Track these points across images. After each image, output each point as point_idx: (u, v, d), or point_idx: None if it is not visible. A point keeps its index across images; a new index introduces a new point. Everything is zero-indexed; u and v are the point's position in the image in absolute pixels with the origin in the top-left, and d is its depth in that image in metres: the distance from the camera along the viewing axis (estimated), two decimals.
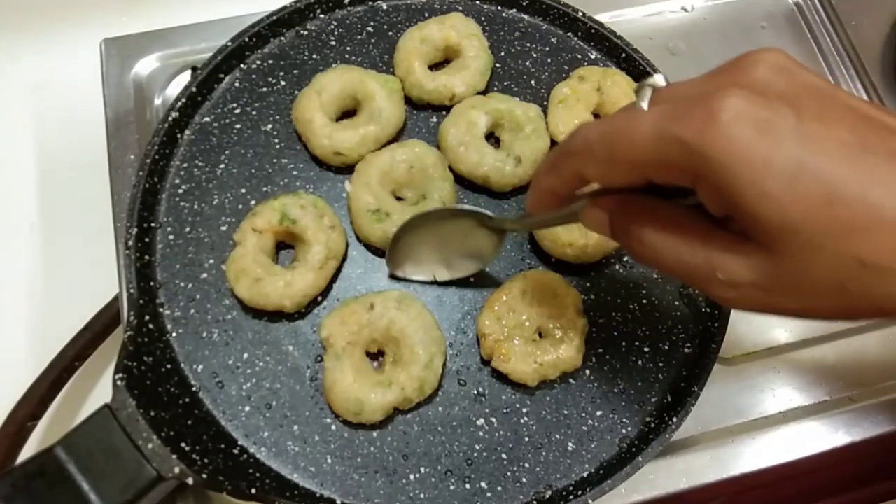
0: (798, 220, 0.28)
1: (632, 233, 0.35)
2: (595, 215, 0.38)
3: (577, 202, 0.39)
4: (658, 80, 0.34)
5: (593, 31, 0.64)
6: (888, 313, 0.30)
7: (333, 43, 0.63)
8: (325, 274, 0.53)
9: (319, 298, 0.54)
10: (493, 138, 0.59)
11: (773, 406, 0.59)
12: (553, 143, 0.59)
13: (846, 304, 0.30)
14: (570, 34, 0.65)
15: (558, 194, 0.40)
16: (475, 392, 0.52)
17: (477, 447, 0.51)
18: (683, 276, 0.34)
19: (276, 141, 0.59)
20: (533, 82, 0.63)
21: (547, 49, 0.64)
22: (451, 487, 0.49)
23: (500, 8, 0.66)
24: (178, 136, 0.58)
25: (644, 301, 0.56)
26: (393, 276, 0.55)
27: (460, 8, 0.65)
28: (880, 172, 0.28)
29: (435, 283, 0.55)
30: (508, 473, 0.50)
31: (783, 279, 0.31)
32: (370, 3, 0.65)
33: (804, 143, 0.28)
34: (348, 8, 0.64)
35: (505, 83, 0.63)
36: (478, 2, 0.66)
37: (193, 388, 0.51)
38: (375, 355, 0.53)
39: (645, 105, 0.33)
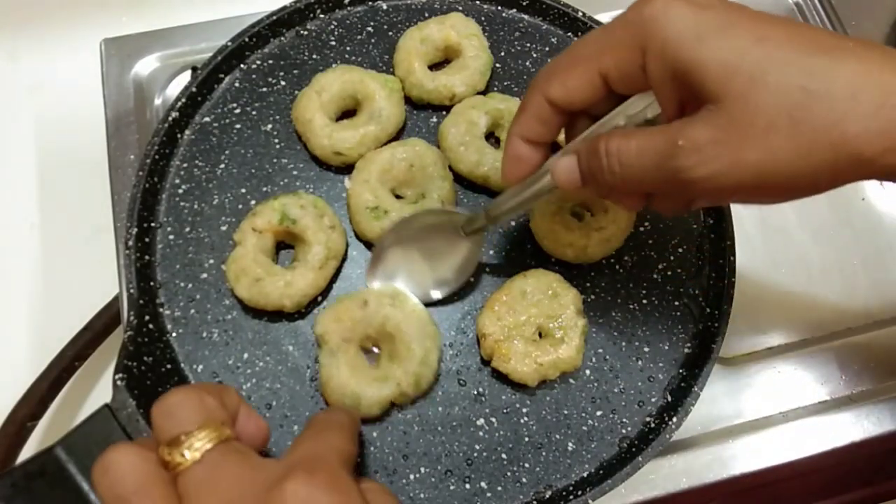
0: (736, 59, 0.32)
1: (601, 156, 0.38)
2: (565, 163, 0.41)
3: (543, 175, 0.43)
4: None
5: None
6: (845, 151, 0.31)
7: (333, 43, 0.63)
8: (325, 274, 0.53)
9: (319, 298, 0.54)
10: (493, 138, 0.59)
11: (773, 406, 0.59)
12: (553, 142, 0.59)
13: (803, 142, 0.31)
14: (570, 34, 0.65)
15: (532, 144, 0.43)
16: (475, 392, 0.52)
17: (477, 447, 0.51)
18: (653, 169, 0.36)
19: (276, 141, 0.59)
20: None
21: (547, 49, 0.64)
22: (451, 487, 0.49)
23: (500, 8, 0.66)
24: (178, 136, 0.58)
25: (644, 301, 0.56)
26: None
27: (460, 8, 0.65)
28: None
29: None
30: (508, 473, 0.50)
31: (737, 125, 0.32)
32: (370, 3, 0.65)
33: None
34: (348, 8, 0.64)
35: (505, 83, 0.63)
36: (478, 2, 0.66)
37: None
38: (370, 350, 0.53)
39: None
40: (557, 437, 0.51)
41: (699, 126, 0.33)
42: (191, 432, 0.31)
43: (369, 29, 0.64)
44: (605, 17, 0.72)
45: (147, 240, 0.54)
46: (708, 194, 0.37)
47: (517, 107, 0.58)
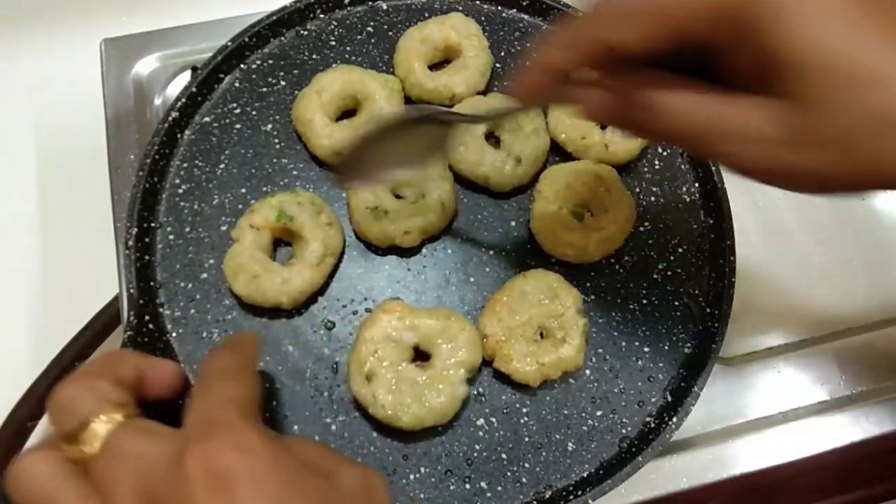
0: (830, 63, 0.28)
1: (640, 101, 0.34)
2: (597, 98, 0.36)
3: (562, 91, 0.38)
4: None
5: None
6: (889, 178, 0.29)
7: (333, 43, 0.63)
8: (323, 271, 0.53)
9: (319, 298, 0.54)
10: (493, 138, 0.59)
11: (773, 406, 0.59)
12: (553, 142, 0.59)
13: (853, 164, 0.29)
14: None
15: (559, 72, 0.37)
16: (475, 392, 0.52)
17: (477, 447, 0.51)
18: (691, 134, 0.32)
19: (276, 141, 0.59)
20: None
21: None
22: (451, 487, 0.49)
23: (500, 8, 0.66)
24: (178, 136, 0.58)
25: (644, 301, 0.56)
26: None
27: (460, 8, 0.65)
28: None
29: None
30: (508, 473, 0.50)
31: (797, 128, 0.30)
32: (370, 3, 0.65)
33: None
34: (348, 8, 0.64)
35: (505, 83, 0.63)
36: (478, 2, 0.66)
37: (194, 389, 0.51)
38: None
39: None
40: (557, 437, 0.51)
41: (763, 116, 0.30)
42: (87, 423, 0.31)
43: (369, 29, 0.64)
44: None
45: (147, 240, 0.54)
46: (735, 172, 0.34)
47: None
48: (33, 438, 0.59)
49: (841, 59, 0.28)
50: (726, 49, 0.32)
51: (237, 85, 0.61)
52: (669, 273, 0.57)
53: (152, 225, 0.55)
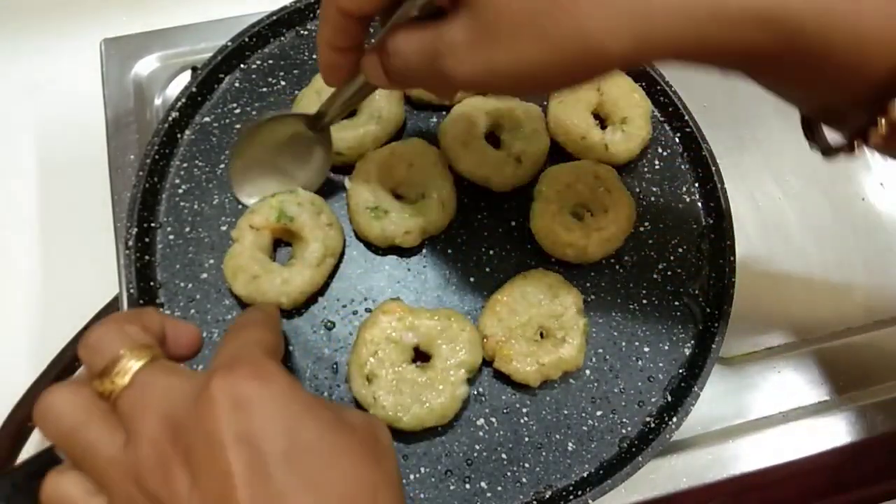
0: None
1: (388, 52, 0.38)
2: (369, 62, 0.40)
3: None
4: None
5: None
6: (598, 55, 0.31)
7: None
8: (323, 271, 0.53)
9: (319, 298, 0.54)
10: (493, 138, 0.59)
11: (773, 406, 0.59)
12: (553, 142, 0.59)
13: (552, 47, 0.32)
14: None
15: (341, 51, 0.41)
16: (475, 392, 0.52)
17: (477, 447, 0.51)
18: (425, 67, 0.36)
19: None
20: None
21: None
22: (451, 487, 0.49)
23: None
24: (178, 136, 0.58)
25: (644, 301, 0.56)
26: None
27: None
28: None
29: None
30: (508, 473, 0.50)
31: (485, 27, 0.33)
32: None
33: None
34: None
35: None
36: None
37: None
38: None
39: None
40: (557, 437, 0.51)
41: (456, 28, 0.34)
42: (117, 359, 0.32)
43: (369, 29, 0.64)
44: None
45: (147, 240, 0.54)
46: (471, 88, 0.40)
47: (517, 106, 0.58)
48: (33, 438, 0.59)
49: None
50: None
51: (237, 85, 0.61)
52: (669, 273, 0.57)
53: (152, 225, 0.55)
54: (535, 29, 0.31)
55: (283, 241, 0.55)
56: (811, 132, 0.41)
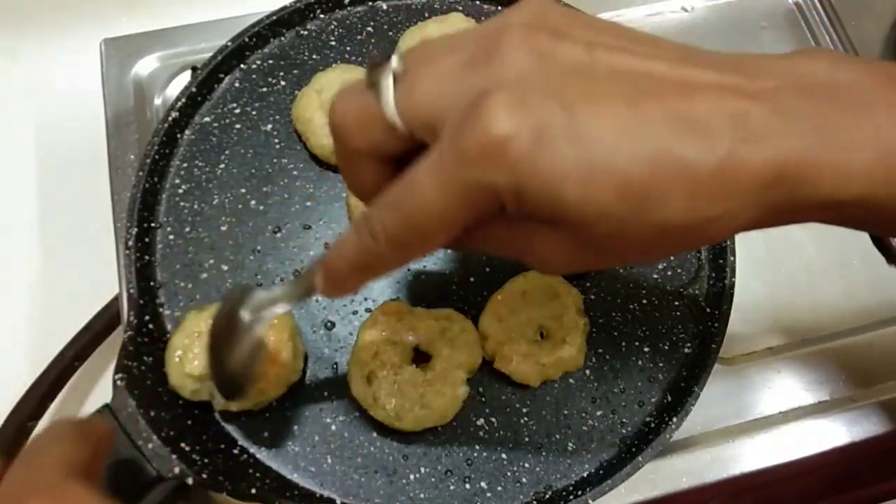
0: (600, 212, 0.28)
1: (460, 247, 0.36)
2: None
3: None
4: (395, 64, 0.31)
5: None
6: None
7: (333, 43, 0.63)
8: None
9: (318, 297, 0.54)
10: None
11: (773, 406, 0.59)
12: None
13: (655, 256, 0.34)
14: None
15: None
16: (475, 392, 0.52)
17: (477, 447, 0.51)
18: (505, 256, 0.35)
19: (276, 141, 0.59)
20: None
21: None
22: (451, 487, 0.49)
23: (499, 8, 0.65)
24: (178, 136, 0.58)
25: (644, 301, 0.56)
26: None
27: (460, 8, 0.65)
28: (658, 137, 0.27)
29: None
30: (508, 473, 0.50)
31: (593, 255, 0.32)
32: (370, 3, 0.65)
33: (581, 140, 0.27)
34: (348, 8, 0.64)
35: None
36: (478, 2, 0.66)
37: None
38: None
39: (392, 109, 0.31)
40: (557, 437, 0.51)
41: (551, 250, 0.33)
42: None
43: (369, 29, 0.64)
44: (605, 17, 0.73)
45: (147, 240, 0.54)
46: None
47: None
48: (33, 438, 0.59)
49: (607, 204, 0.28)
50: None
51: (237, 85, 0.61)
52: (669, 273, 0.57)
53: (152, 225, 0.55)
54: (645, 251, 0.31)
55: None
56: (882, 247, 0.40)
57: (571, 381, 0.53)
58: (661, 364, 0.54)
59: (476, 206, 0.29)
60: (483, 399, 0.52)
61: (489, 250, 0.35)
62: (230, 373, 0.42)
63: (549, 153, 0.27)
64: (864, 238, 0.68)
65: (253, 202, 0.57)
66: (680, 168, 0.27)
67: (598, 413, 0.52)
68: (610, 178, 0.27)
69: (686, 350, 0.55)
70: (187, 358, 0.47)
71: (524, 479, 0.50)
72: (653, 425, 0.52)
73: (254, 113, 0.60)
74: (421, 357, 0.51)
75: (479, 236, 0.33)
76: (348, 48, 0.63)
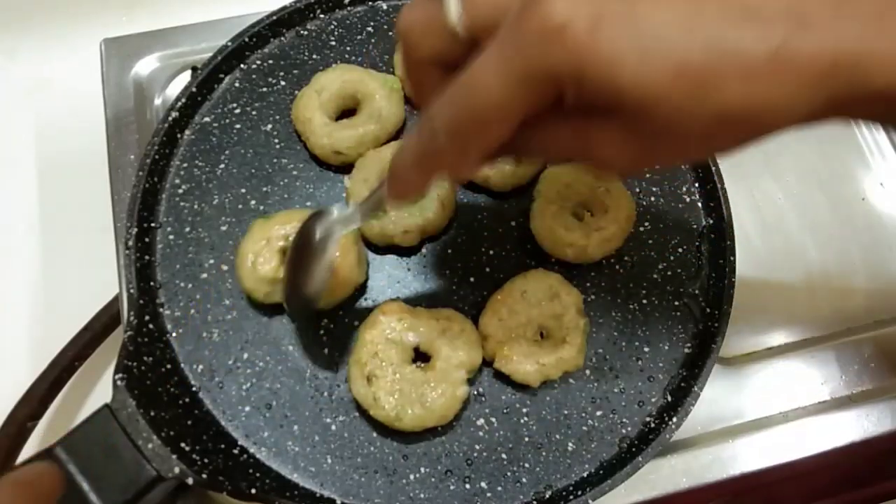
0: (658, 96, 0.28)
1: (520, 149, 0.35)
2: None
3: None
4: None
5: None
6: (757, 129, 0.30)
7: (333, 43, 0.63)
8: None
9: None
10: None
11: (773, 406, 0.59)
12: None
13: (715, 147, 0.32)
14: None
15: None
16: (475, 392, 0.52)
17: (477, 447, 0.51)
18: (570, 158, 0.35)
19: (276, 141, 0.59)
20: None
21: None
22: (451, 487, 0.49)
23: None
24: (178, 136, 0.58)
25: (644, 301, 0.56)
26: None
27: None
28: (714, 25, 0.28)
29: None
30: (508, 473, 0.50)
31: (653, 149, 0.32)
32: (370, 3, 0.65)
33: (638, 26, 0.28)
34: (348, 8, 0.64)
35: None
36: None
37: (193, 388, 0.51)
38: None
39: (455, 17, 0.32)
40: (557, 437, 0.51)
41: (614, 143, 0.33)
42: None
43: (369, 29, 0.64)
44: None
45: (147, 240, 0.54)
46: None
47: None
48: (33, 438, 0.59)
49: (664, 87, 0.28)
50: None
51: (237, 85, 0.61)
52: (669, 273, 0.57)
53: (152, 225, 0.55)
54: (707, 140, 0.31)
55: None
56: None
57: (571, 381, 0.53)
58: (661, 364, 0.54)
59: (535, 93, 0.29)
60: (483, 399, 0.52)
61: (549, 153, 0.35)
62: (305, 287, 0.47)
63: (607, 37, 0.27)
64: (864, 238, 0.68)
65: (253, 202, 0.57)
66: (735, 55, 0.27)
67: (598, 413, 0.52)
68: (667, 62, 0.28)
69: (686, 350, 0.55)
70: (258, 262, 0.51)
71: (524, 479, 0.50)
72: (653, 425, 0.52)
73: (254, 113, 0.60)
74: (421, 357, 0.51)
75: (539, 138, 0.33)
76: (348, 48, 0.63)
